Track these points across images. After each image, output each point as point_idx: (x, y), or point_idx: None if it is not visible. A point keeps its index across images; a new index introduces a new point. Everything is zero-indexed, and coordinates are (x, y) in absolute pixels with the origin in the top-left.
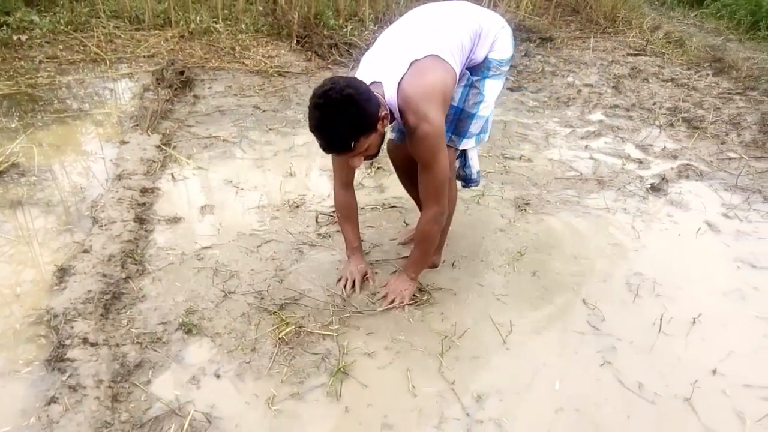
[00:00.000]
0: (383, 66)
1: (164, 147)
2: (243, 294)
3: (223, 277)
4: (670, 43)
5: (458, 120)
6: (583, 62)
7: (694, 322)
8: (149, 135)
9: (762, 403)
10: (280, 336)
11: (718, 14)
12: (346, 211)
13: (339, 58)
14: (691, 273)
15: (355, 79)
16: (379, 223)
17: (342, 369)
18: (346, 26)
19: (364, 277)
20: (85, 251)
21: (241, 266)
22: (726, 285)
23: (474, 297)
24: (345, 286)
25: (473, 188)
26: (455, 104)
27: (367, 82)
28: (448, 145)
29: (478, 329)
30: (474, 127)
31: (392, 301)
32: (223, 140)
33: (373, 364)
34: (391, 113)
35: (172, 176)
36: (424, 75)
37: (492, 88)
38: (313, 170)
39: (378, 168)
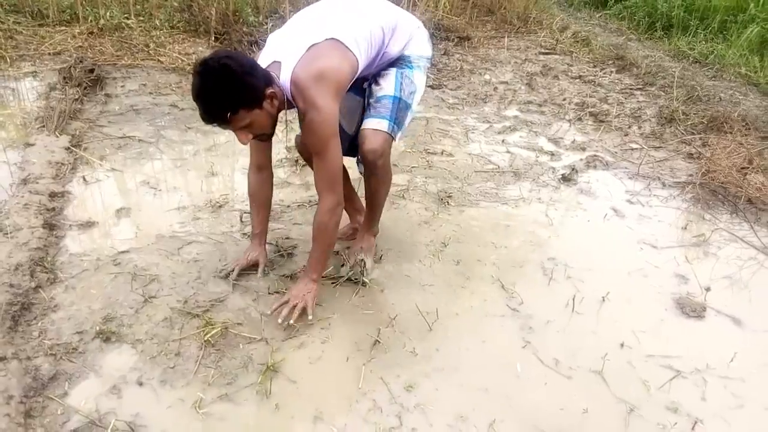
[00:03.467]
0: (284, 47)
1: (74, 149)
2: (164, 297)
3: (143, 282)
4: (577, 42)
5: (398, 110)
6: (498, 61)
7: (603, 300)
8: (57, 136)
9: (664, 371)
10: (205, 338)
11: (620, 15)
12: (256, 195)
13: None
14: (599, 255)
15: (241, 53)
16: (305, 219)
17: (271, 367)
18: (266, 23)
19: (253, 265)
20: None
21: (162, 270)
22: (630, 265)
23: (401, 288)
24: (225, 269)
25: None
26: (393, 94)
27: (268, 62)
28: (390, 135)
29: (405, 318)
30: (408, 119)
31: (294, 307)
32: (139, 140)
33: (304, 359)
34: (287, 99)
35: (84, 179)
36: (318, 59)
37: (420, 80)
38: (235, 169)
39: (304, 165)
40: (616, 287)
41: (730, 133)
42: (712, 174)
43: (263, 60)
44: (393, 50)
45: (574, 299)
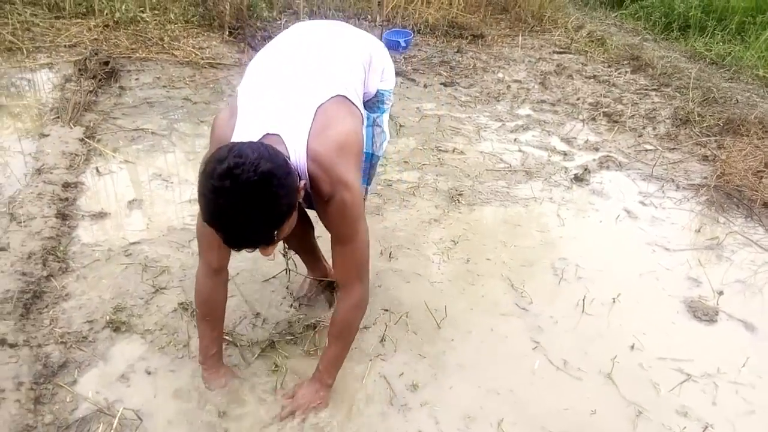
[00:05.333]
0: (279, 113)
1: (88, 140)
2: (174, 288)
3: (153, 273)
4: (592, 41)
5: (371, 167)
6: (512, 59)
7: (613, 301)
8: (71, 128)
9: (674, 374)
10: None
11: (636, 15)
12: (210, 307)
13: None
14: (610, 257)
15: (262, 144)
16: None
17: (281, 366)
18: (281, 18)
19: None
20: (2, 249)
21: (172, 261)
22: (642, 267)
23: (409, 285)
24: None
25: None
26: (366, 150)
27: (256, 132)
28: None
29: (413, 316)
30: (377, 170)
31: (302, 420)
32: (152, 133)
33: (313, 360)
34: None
35: (97, 170)
36: (332, 125)
37: (387, 122)
38: None
39: None
40: (627, 289)
41: (747, 135)
42: (727, 177)
43: (245, 128)
44: (371, 88)
45: (584, 300)
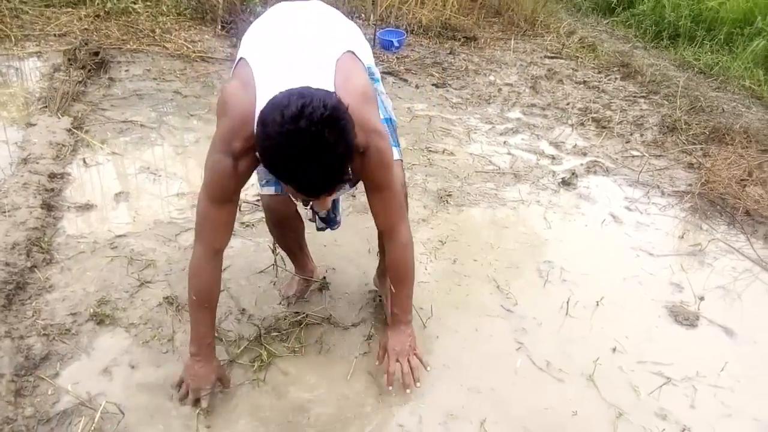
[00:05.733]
0: (299, 70)
1: (76, 130)
2: (160, 283)
3: (139, 267)
4: (583, 47)
5: (394, 130)
6: (504, 62)
7: (597, 305)
8: (59, 117)
9: (654, 377)
10: None
11: (627, 23)
12: (208, 292)
13: None
14: (595, 260)
15: (306, 86)
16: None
17: (266, 360)
18: None
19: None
20: None
21: (158, 255)
22: (626, 271)
23: None
24: (183, 399)
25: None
26: (385, 116)
27: (283, 86)
28: (401, 160)
29: None
30: None
31: (411, 368)
32: (141, 125)
33: (299, 357)
34: None
35: (84, 161)
36: (353, 77)
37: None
38: None
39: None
40: (611, 293)
41: (731, 144)
42: (712, 184)
43: (268, 90)
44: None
45: (568, 302)
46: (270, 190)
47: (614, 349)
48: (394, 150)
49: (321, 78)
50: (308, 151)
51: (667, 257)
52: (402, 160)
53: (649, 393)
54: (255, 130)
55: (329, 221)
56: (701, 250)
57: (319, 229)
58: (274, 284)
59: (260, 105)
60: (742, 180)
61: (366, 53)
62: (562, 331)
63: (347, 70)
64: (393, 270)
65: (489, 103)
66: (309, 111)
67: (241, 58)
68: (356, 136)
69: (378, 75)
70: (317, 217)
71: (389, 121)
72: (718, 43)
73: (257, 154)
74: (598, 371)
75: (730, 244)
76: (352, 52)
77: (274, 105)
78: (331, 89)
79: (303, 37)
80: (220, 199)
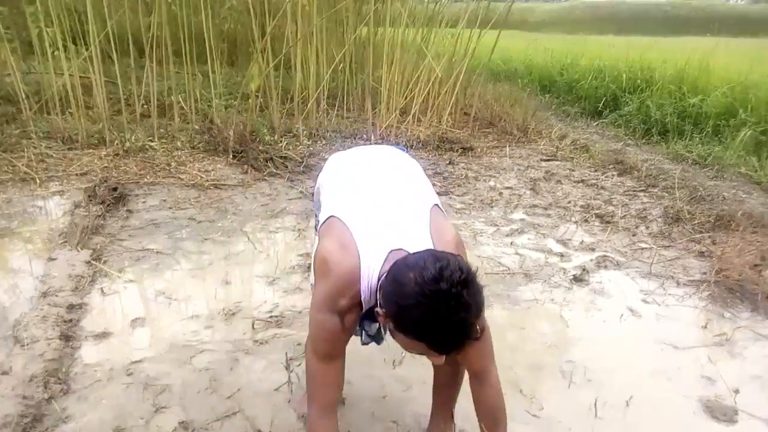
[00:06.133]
0: (395, 228)
1: (94, 262)
2: (175, 407)
3: (154, 392)
4: (576, 149)
5: None
6: (502, 168)
7: (627, 404)
8: (79, 251)
9: None
10: None
11: (616, 123)
12: None
13: (275, 170)
14: (619, 357)
15: (440, 252)
16: None
17: None
18: (281, 141)
19: None
20: (4, 373)
21: (173, 379)
22: (652, 367)
23: (413, 392)
24: None
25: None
26: None
27: (384, 254)
28: None
29: (420, 428)
30: None
31: None
32: (157, 252)
33: None
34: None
35: (102, 291)
36: (445, 231)
37: None
38: (249, 277)
39: None
40: (639, 390)
41: (738, 230)
42: (726, 272)
43: (370, 251)
44: None
45: (595, 404)
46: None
47: None
48: None
49: (418, 235)
50: (448, 311)
51: (693, 349)
52: None
53: None
54: (368, 289)
55: (376, 337)
56: (728, 340)
57: (363, 344)
58: (289, 401)
59: (366, 264)
60: (756, 265)
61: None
62: None
63: (439, 224)
64: (488, 414)
65: (492, 207)
66: (448, 273)
67: (331, 216)
68: None
69: None
70: (364, 332)
71: None
72: (707, 135)
73: (381, 310)
74: None
75: (757, 332)
76: (437, 205)
77: (408, 266)
78: (429, 243)
79: (392, 193)
80: (330, 356)
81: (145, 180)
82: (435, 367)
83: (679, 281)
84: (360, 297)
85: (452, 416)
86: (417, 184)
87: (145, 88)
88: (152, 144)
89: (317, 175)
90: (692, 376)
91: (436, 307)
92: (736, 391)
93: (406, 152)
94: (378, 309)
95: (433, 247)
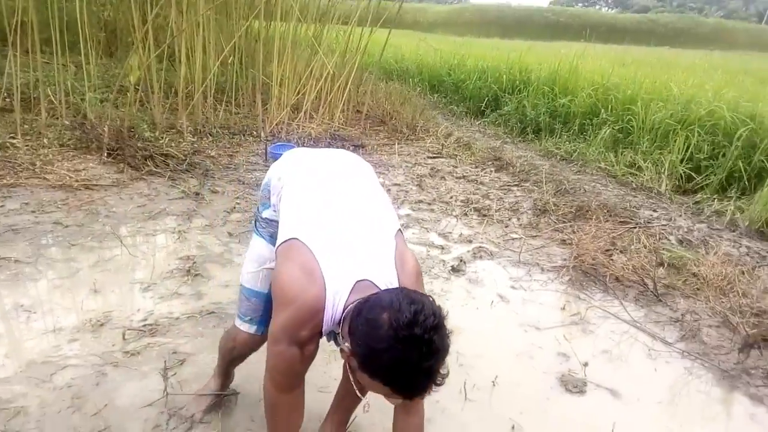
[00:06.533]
0: (361, 259)
1: None
2: (31, 431)
3: (6, 416)
4: (460, 146)
5: None
6: (391, 165)
7: (493, 384)
8: None
9: None
10: None
11: (496, 122)
12: (300, 414)
13: (154, 169)
14: (488, 341)
15: (399, 288)
16: (195, 332)
17: None
18: (163, 137)
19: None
20: None
21: (30, 400)
22: (517, 347)
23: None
24: None
25: None
26: None
27: (350, 284)
28: None
29: None
30: None
31: None
32: (15, 261)
33: None
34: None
35: None
36: (406, 260)
37: None
38: (121, 284)
39: (196, 275)
40: (505, 371)
41: (594, 219)
42: (582, 257)
43: (336, 281)
44: None
45: (465, 386)
46: (251, 329)
47: (513, 427)
48: None
49: (384, 265)
50: (420, 358)
51: (552, 329)
52: None
53: None
54: (331, 320)
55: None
56: (582, 319)
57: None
58: (163, 413)
59: (331, 294)
60: (607, 250)
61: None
62: (462, 416)
63: (402, 253)
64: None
65: None
66: (422, 318)
67: (293, 238)
68: None
69: None
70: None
71: None
72: (573, 134)
73: (346, 347)
74: None
75: (606, 310)
76: (400, 231)
77: (382, 306)
78: (393, 274)
79: (358, 216)
80: (291, 386)
81: (4, 181)
82: (345, 377)
83: (543, 268)
84: (321, 327)
85: (346, 425)
86: (381, 205)
87: (7, 79)
88: (14, 141)
89: (202, 173)
90: (550, 354)
91: (408, 353)
92: (586, 365)
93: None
94: (343, 346)
95: (396, 278)
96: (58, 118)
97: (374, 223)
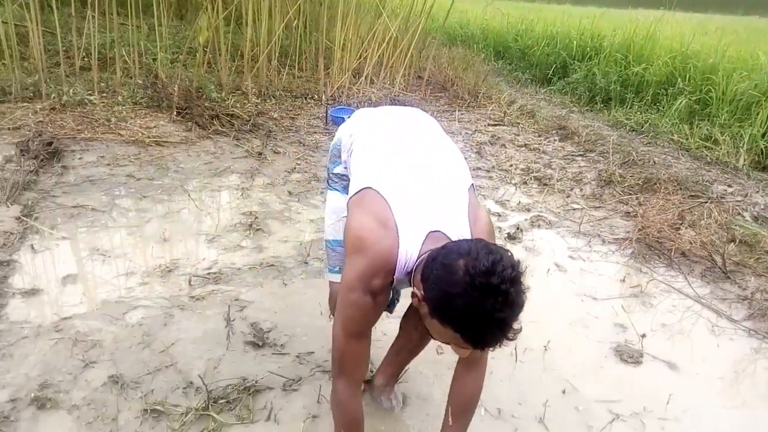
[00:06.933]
0: (434, 210)
1: (25, 218)
2: (105, 362)
3: (83, 347)
4: (523, 114)
5: None
6: (450, 132)
7: (545, 349)
8: (8, 206)
9: (605, 414)
10: (145, 408)
11: (563, 90)
12: (356, 424)
13: (220, 128)
14: (542, 308)
15: (492, 244)
16: (256, 282)
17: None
18: (229, 98)
19: None
20: None
21: (104, 335)
22: (572, 316)
23: None
24: None
25: None
26: None
27: (423, 235)
28: None
29: None
30: None
31: None
32: (92, 209)
33: (248, 425)
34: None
35: (32, 247)
36: (480, 214)
37: None
38: (188, 235)
39: (258, 229)
40: (558, 337)
41: (663, 192)
42: (647, 230)
43: (409, 233)
44: None
45: (516, 349)
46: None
47: (564, 391)
48: None
49: (457, 218)
50: (494, 307)
51: (610, 300)
52: None
53: (600, 430)
54: (403, 269)
55: (390, 303)
56: (642, 292)
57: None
58: (224, 355)
59: (405, 244)
60: (673, 224)
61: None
62: (513, 377)
63: (474, 209)
64: (461, 401)
65: None
66: (500, 269)
67: (367, 188)
68: None
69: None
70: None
71: None
72: (646, 104)
73: (419, 292)
74: (549, 413)
75: (669, 284)
76: (472, 186)
77: (460, 253)
78: (466, 227)
79: (432, 168)
80: (360, 334)
81: (83, 135)
82: (404, 330)
83: (604, 239)
84: (393, 276)
85: (397, 378)
86: (454, 160)
87: (86, 39)
88: (92, 98)
89: (265, 134)
90: (607, 324)
91: (482, 301)
92: (643, 336)
93: (354, 113)
94: (416, 290)
95: (470, 232)
96: (131, 78)
97: (447, 175)
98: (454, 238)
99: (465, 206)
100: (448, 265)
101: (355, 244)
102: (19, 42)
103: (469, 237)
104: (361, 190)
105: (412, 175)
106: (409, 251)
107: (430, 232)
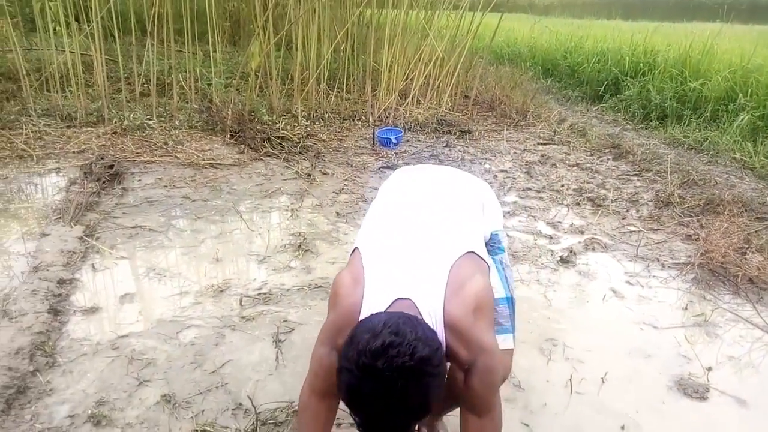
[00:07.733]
0: (410, 275)
1: (87, 238)
2: (158, 381)
3: (138, 366)
4: (574, 133)
5: (514, 312)
6: (498, 151)
7: (602, 381)
8: (72, 227)
9: None
10: (195, 429)
11: (616, 108)
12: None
13: (271, 150)
14: (598, 336)
15: (419, 321)
16: (304, 303)
17: None
18: (279, 121)
19: None
20: None
21: (158, 354)
22: (630, 345)
23: None
24: None
25: None
26: (506, 295)
27: (389, 300)
28: (509, 350)
29: None
30: None
31: None
32: (149, 230)
33: None
34: None
35: (93, 266)
36: (468, 285)
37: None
38: (239, 255)
39: (306, 250)
40: (616, 368)
41: (727, 214)
42: (711, 254)
43: (375, 293)
44: (487, 232)
45: (571, 379)
46: None
47: (623, 427)
48: (508, 337)
49: (430, 290)
50: (372, 392)
51: (671, 329)
52: (514, 350)
53: None
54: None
55: None
56: (706, 321)
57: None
58: (272, 376)
59: (368, 305)
60: (740, 248)
61: (495, 216)
62: (568, 410)
63: (462, 278)
64: None
65: None
66: (393, 353)
67: (355, 248)
68: (460, 353)
69: (504, 243)
70: None
71: (508, 300)
72: (705, 121)
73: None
74: None
75: (736, 313)
76: (472, 252)
77: (367, 326)
78: (440, 303)
79: (421, 234)
80: (322, 392)
81: (142, 158)
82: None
83: (664, 264)
84: None
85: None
86: (456, 225)
87: (145, 66)
88: (150, 123)
89: (314, 155)
90: (669, 355)
91: (362, 383)
92: (709, 369)
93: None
94: None
95: (442, 302)
96: (188, 102)
97: (437, 245)
98: (422, 308)
99: (444, 278)
100: (353, 336)
101: (330, 300)
102: (84, 70)
103: (438, 308)
104: (354, 249)
105: (398, 242)
106: (372, 312)
107: (398, 299)
